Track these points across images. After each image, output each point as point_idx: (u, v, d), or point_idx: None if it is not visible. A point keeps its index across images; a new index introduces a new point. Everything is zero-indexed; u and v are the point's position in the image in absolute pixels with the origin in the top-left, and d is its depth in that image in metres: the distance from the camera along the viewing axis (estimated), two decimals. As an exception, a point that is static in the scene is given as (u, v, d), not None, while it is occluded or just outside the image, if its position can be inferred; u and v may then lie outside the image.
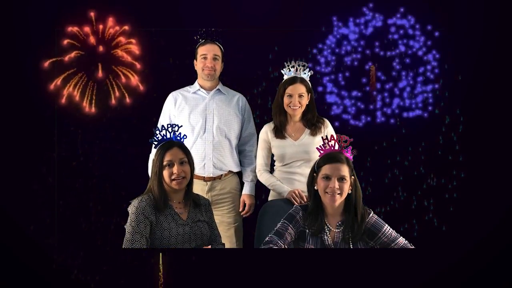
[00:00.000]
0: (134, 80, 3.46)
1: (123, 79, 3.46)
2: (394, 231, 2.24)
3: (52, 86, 3.41)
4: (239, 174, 3.15)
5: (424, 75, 3.52)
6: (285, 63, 2.92)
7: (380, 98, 3.38)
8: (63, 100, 3.41)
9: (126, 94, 3.47)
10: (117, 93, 3.47)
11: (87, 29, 3.44)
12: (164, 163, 2.27)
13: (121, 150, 3.50)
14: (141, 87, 3.47)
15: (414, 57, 3.52)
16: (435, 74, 3.52)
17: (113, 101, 3.45)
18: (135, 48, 3.48)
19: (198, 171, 2.97)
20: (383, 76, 3.49)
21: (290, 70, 2.89)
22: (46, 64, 3.40)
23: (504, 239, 3.23)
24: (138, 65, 3.47)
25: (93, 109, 3.45)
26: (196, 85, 3.12)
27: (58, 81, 3.42)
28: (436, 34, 3.50)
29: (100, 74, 3.43)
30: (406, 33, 3.51)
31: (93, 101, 3.45)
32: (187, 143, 2.88)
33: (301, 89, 2.83)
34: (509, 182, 3.35)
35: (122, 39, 3.47)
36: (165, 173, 2.27)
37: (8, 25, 3.38)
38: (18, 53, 3.38)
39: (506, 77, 3.42)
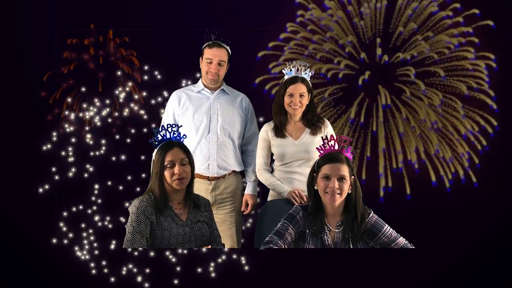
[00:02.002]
0: (135, 90, 3.46)
1: (124, 90, 3.46)
2: (394, 231, 2.24)
3: (52, 97, 3.44)
4: (242, 174, 3.15)
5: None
6: (286, 62, 2.92)
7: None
8: (64, 106, 3.44)
9: (126, 103, 3.48)
10: (116, 102, 3.47)
11: (87, 41, 3.44)
12: (165, 163, 2.27)
13: (122, 150, 3.51)
14: (141, 98, 3.48)
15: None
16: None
17: (114, 109, 3.46)
18: (135, 60, 3.48)
19: (202, 171, 2.97)
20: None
21: (291, 70, 2.88)
22: (45, 76, 3.41)
23: (505, 240, 3.24)
24: (138, 76, 3.48)
25: (92, 116, 3.47)
26: (200, 84, 3.09)
27: (58, 93, 3.43)
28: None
29: (100, 85, 3.43)
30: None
31: (93, 110, 3.47)
32: (191, 143, 2.87)
33: (302, 88, 2.82)
34: (509, 194, 3.36)
35: (122, 50, 3.47)
36: (167, 173, 2.27)
37: (8, 28, 3.39)
38: (19, 61, 3.40)
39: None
